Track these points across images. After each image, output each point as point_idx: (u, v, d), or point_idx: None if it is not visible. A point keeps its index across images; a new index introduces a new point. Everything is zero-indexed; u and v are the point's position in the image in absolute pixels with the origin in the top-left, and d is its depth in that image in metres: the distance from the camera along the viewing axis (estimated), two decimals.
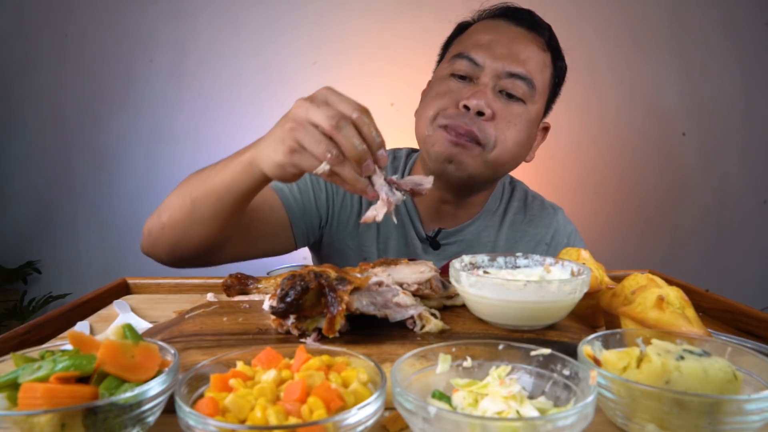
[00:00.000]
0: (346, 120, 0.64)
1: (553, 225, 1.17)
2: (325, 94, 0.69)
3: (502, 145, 0.97)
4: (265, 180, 0.75)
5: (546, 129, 1.12)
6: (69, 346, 0.45)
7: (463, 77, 0.99)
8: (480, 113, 0.95)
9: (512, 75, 0.97)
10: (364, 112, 0.65)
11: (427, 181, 0.70)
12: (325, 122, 0.63)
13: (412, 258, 1.08)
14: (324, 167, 0.63)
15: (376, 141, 0.64)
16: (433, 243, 1.10)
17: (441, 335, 0.60)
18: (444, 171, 0.99)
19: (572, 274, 0.66)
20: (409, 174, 1.14)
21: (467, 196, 1.09)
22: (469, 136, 0.95)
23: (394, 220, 0.71)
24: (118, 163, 2.67)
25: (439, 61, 1.11)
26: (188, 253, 0.91)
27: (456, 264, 0.66)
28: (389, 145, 1.24)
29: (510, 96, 0.98)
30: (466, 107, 0.95)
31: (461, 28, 1.10)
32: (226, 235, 0.89)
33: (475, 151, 0.96)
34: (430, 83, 1.09)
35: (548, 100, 1.08)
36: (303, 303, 0.56)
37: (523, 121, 0.99)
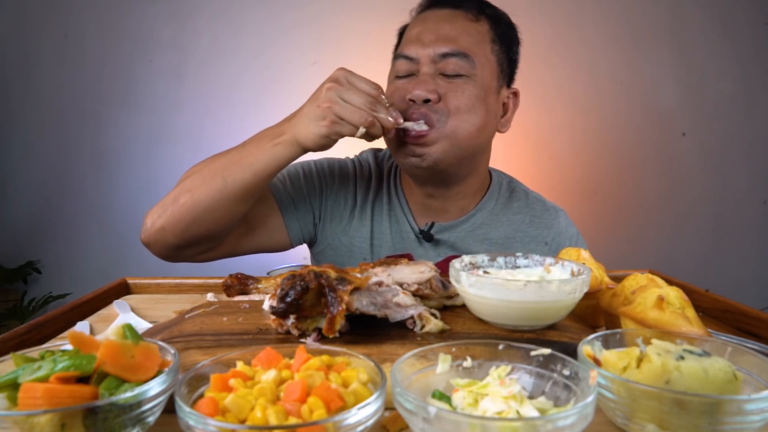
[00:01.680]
0: (373, 98, 0.86)
1: (555, 227, 1.15)
2: (346, 76, 0.88)
3: (455, 115, 0.98)
4: (303, 153, 0.91)
5: (515, 95, 1.12)
6: (69, 346, 0.45)
7: (406, 76, 1.02)
8: (426, 101, 0.97)
9: (445, 55, 0.99)
10: (378, 87, 0.88)
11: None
12: (362, 104, 0.85)
13: (408, 253, 1.09)
14: (361, 131, 0.85)
15: (383, 118, 0.87)
16: (426, 236, 1.09)
17: (441, 335, 0.60)
18: (413, 167, 1.02)
19: (572, 274, 0.66)
20: (398, 174, 1.16)
21: (450, 187, 1.09)
22: (423, 119, 0.96)
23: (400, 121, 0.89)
24: (118, 163, 2.67)
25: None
26: (199, 236, 0.95)
27: (456, 264, 0.66)
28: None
29: (451, 76, 0.99)
30: (412, 101, 0.97)
31: (400, 33, 1.12)
32: (242, 213, 0.97)
33: (430, 135, 0.97)
34: None
35: (503, 65, 1.07)
36: (303, 303, 0.56)
37: (471, 90, 0.99)
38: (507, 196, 1.17)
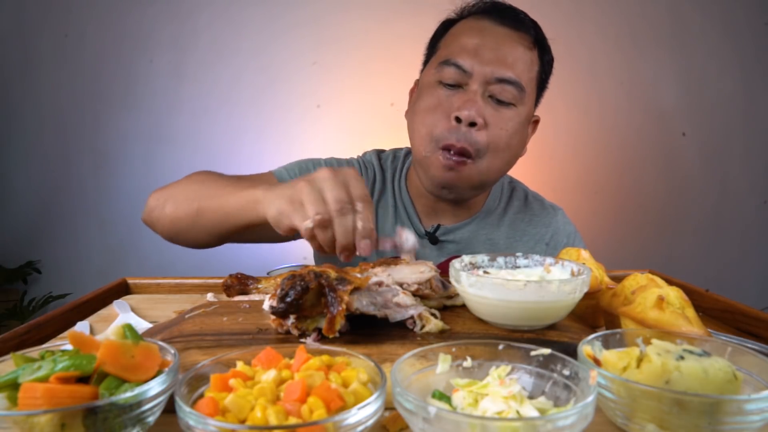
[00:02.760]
0: (348, 208, 0.68)
1: (553, 225, 1.17)
2: (347, 178, 0.71)
3: (493, 152, 0.97)
4: (265, 222, 0.76)
5: (536, 122, 1.12)
6: (69, 346, 0.45)
7: (451, 85, 0.98)
8: (472, 124, 0.95)
9: (501, 80, 0.96)
10: (368, 203, 0.70)
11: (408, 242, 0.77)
12: (333, 203, 0.67)
13: None
14: (308, 224, 0.67)
15: (365, 230, 0.68)
16: (432, 238, 1.10)
17: (441, 335, 0.60)
18: (438, 193, 1.03)
19: (572, 274, 0.66)
20: (405, 175, 1.15)
21: (463, 201, 1.11)
22: (462, 153, 0.95)
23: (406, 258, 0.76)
24: (118, 163, 2.67)
25: (426, 61, 1.09)
26: (187, 244, 0.96)
27: (456, 264, 0.66)
28: (389, 145, 1.26)
29: (500, 102, 0.97)
30: (458, 119, 0.94)
31: (446, 26, 1.08)
32: (218, 243, 0.93)
33: (467, 167, 0.97)
34: (417, 85, 1.09)
35: (539, 94, 1.08)
36: (303, 303, 0.56)
37: (514, 125, 0.99)
38: (508, 196, 1.19)
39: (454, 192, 1.01)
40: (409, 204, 1.12)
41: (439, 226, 1.10)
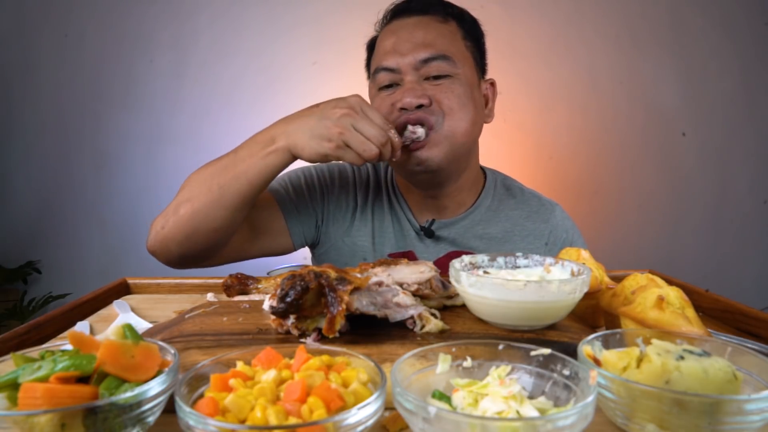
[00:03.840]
0: (384, 132, 0.89)
1: (551, 221, 1.17)
2: (361, 105, 0.90)
3: (450, 115, 1.01)
4: (295, 161, 0.92)
5: (493, 84, 1.15)
6: (69, 346, 0.45)
7: (389, 86, 1.04)
8: (420, 106, 0.99)
9: (426, 60, 1.01)
10: (388, 122, 0.91)
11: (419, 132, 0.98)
12: (375, 138, 0.87)
13: (410, 251, 1.11)
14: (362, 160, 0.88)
15: (396, 141, 0.91)
16: (427, 232, 1.11)
17: (441, 335, 0.60)
18: (417, 174, 1.04)
19: (572, 274, 0.66)
20: (392, 177, 1.19)
21: (448, 185, 1.11)
22: (420, 123, 0.99)
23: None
24: (118, 163, 2.67)
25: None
26: (201, 245, 0.96)
27: (456, 264, 0.66)
28: None
29: (436, 77, 1.02)
30: (404, 108, 0.99)
31: (371, 47, 1.14)
32: (240, 220, 0.97)
33: (431, 139, 1.00)
34: None
35: (477, 59, 1.11)
36: (303, 303, 0.56)
37: (458, 89, 1.02)
38: (503, 192, 1.19)
39: (427, 165, 1.02)
40: (402, 200, 1.15)
41: (434, 221, 1.11)
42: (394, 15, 1.10)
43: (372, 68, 1.09)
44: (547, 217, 1.17)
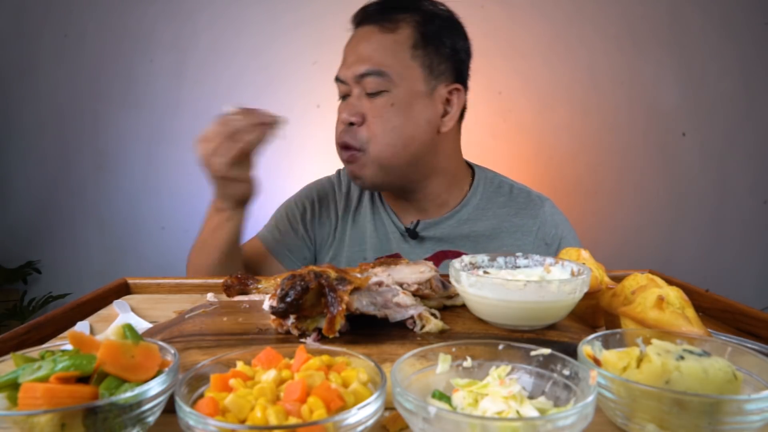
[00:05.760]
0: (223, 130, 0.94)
1: (540, 216, 1.15)
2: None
3: (374, 140, 1.03)
4: (235, 212, 1.01)
5: (458, 90, 1.10)
6: (69, 346, 0.45)
7: (344, 97, 1.08)
8: (351, 124, 1.04)
9: (363, 75, 1.03)
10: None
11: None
12: (215, 137, 0.95)
13: (396, 252, 1.13)
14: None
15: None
16: (411, 233, 1.12)
17: (441, 335, 0.60)
18: (360, 186, 1.12)
19: (572, 274, 0.66)
20: None
21: (413, 192, 1.13)
22: (346, 147, 1.05)
23: None
24: (118, 163, 2.67)
25: None
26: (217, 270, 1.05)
27: (456, 264, 0.66)
28: None
29: (373, 94, 1.03)
30: (344, 123, 1.05)
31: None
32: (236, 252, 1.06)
33: (360, 159, 1.05)
34: None
35: (432, 64, 1.06)
36: (303, 303, 0.56)
37: (390, 110, 1.03)
38: (492, 190, 1.18)
39: (362, 181, 1.08)
40: (386, 204, 1.18)
41: (419, 222, 1.12)
42: (355, 23, 1.12)
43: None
44: (535, 213, 1.15)
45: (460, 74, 1.11)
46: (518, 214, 1.15)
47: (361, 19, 1.10)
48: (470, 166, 1.22)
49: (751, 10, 2.63)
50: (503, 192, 1.18)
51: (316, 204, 1.19)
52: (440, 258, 1.11)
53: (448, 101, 1.08)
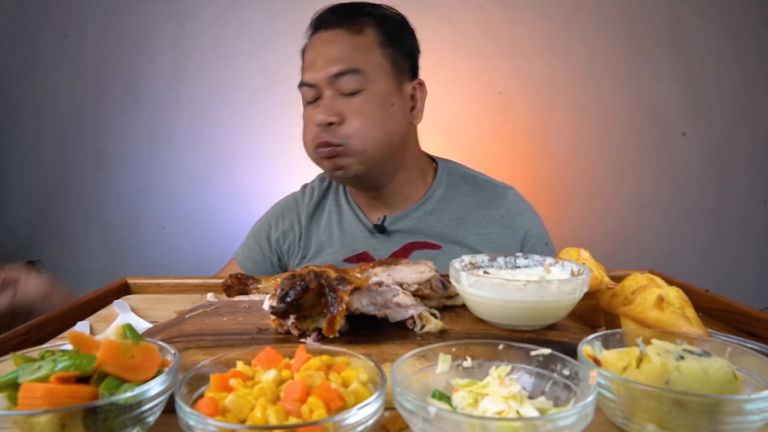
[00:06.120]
0: None
1: (505, 205, 1.19)
2: None
3: (357, 135, 1.05)
4: None
5: (421, 84, 1.16)
6: (69, 346, 0.45)
7: (313, 101, 1.09)
8: (330, 124, 1.05)
9: (337, 75, 1.05)
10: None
11: None
12: None
13: (364, 251, 1.16)
14: None
15: None
16: (380, 229, 1.16)
17: (441, 335, 0.60)
18: (340, 179, 1.15)
19: (572, 274, 0.66)
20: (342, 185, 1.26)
21: (385, 185, 1.16)
22: (328, 146, 1.06)
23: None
24: (118, 163, 2.67)
25: None
26: None
27: (456, 264, 0.66)
28: None
29: (348, 94, 1.06)
30: (320, 125, 1.06)
31: (303, 56, 1.17)
32: None
33: (342, 152, 1.06)
34: None
35: (399, 62, 1.12)
36: (303, 303, 0.56)
37: (369, 106, 1.06)
38: (456, 181, 1.22)
39: (347, 171, 1.08)
40: (353, 204, 1.22)
41: (385, 218, 1.16)
42: (314, 29, 1.14)
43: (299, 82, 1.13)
44: (500, 202, 1.19)
45: (416, 70, 1.18)
46: (483, 203, 1.19)
47: (321, 24, 1.13)
48: (432, 159, 1.27)
49: (751, 10, 2.63)
50: (467, 182, 1.22)
51: (280, 220, 1.25)
52: (409, 250, 1.15)
53: (412, 96, 1.14)
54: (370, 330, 0.60)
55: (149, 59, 2.62)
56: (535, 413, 0.41)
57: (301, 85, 1.10)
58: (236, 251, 1.28)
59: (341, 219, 1.21)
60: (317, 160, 1.11)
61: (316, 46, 1.11)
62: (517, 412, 0.41)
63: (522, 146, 2.63)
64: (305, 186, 1.32)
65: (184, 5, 2.60)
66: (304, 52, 1.15)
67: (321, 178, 1.30)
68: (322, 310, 0.58)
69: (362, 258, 1.14)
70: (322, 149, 1.06)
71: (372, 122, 1.05)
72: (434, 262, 1.07)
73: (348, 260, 1.16)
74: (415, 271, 0.69)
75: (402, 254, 1.14)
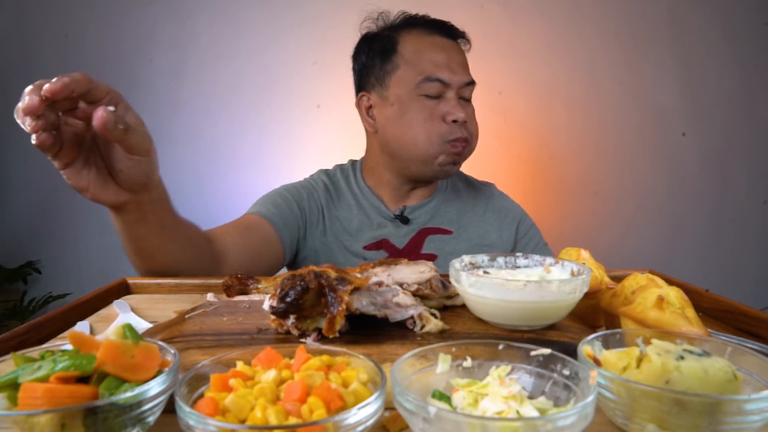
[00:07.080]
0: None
1: (494, 196, 1.40)
2: None
3: (474, 137, 1.23)
4: (114, 209, 0.91)
5: None
6: (69, 346, 0.45)
7: (435, 97, 1.19)
8: (462, 122, 1.19)
9: (468, 84, 1.20)
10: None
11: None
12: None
13: (384, 239, 1.25)
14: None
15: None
16: (402, 219, 1.28)
17: (441, 335, 0.60)
18: (436, 174, 1.23)
19: (572, 274, 0.66)
20: (359, 177, 1.34)
21: (432, 181, 1.32)
22: (465, 141, 1.19)
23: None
24: None
25: (377, 75, 1.26)
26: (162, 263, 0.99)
27: (456, 264, 0.66)
28: None
29: (467, 99, 1.22)
30: (455, 121, 1.17)
31: (389, 42, 1.24)
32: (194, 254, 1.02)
33: (466, 149, 1.21)
34: (387, 102, 1.23)
35: None
36: (303, 303, 0.56)
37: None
38: (452, 182, 1.39)
39: (457, 169, 1.25)
40: (371, 196, 1.31)
41: (405, 208, 1.30)
42: (432, 26, 1.23)
43: (418, 72, 1.18)
44: (489, 193, 1.40)
45: None
46: (477, 196, 1.39)
47: (439, 29, 1.24)
48: None
49: (751, 10, 2.63)
50: (460, 177, 1.42)
51: (303, 194, 1.29)
52: (424, 235, 1.28)
53: None
54: (370, 330, 0.60)
55: (149, 59, 2.63)
56: (535, 413, 0.41)
57: (432, 79, 1.17)
58: (254, 210, 1.22)
59: (360, 206, 1.30)
60: (438, 153, 1.18)
61: (448, 51, 1.20)
62: (517, 412, 0.41)
63: (522, 146, 2.63)
64: (308, 180, 1.35)
65: (184, 5, 2.60)
66: (379, 37, 1.26)
67: (327, 174, 1.36)
68: (322, 310, 0.58)
69: (382, 245, 1.25)
70: (459, 143, 1.18)
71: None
72: (447, 245, 1.27)
73: (368, 248, 1.25)
74: (415, 271, 0.69)
75: (418, 239, 1.27)
